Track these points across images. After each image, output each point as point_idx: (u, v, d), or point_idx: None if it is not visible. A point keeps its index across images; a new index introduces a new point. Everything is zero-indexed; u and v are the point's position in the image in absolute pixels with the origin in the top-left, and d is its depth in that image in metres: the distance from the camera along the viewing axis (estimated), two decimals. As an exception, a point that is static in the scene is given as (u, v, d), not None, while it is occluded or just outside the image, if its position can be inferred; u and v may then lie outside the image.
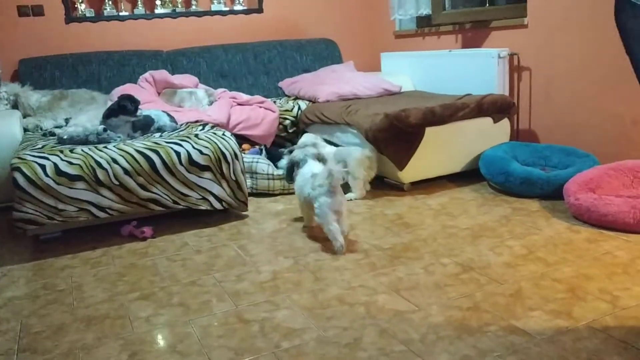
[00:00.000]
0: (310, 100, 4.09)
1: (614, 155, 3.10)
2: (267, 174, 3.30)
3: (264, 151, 3.74)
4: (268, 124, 3.82)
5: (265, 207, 3.15)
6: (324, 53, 4.80)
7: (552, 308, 1.79)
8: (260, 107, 3.89)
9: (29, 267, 2.47)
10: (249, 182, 3.36)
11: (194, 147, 2.81)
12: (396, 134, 3.08)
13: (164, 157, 2.74)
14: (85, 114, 3.66)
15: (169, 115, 3.34)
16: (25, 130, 3.56)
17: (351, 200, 3.09)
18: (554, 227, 2.52)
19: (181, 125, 3.40)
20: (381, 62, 4.84)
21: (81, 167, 2.61)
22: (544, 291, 1.91)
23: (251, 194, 3.34)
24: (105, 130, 2.97)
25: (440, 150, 3.25)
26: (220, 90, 4.08)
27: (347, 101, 3.90)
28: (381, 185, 3.33)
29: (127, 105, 3.11)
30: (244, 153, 3.70)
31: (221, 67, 4.45)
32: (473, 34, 4.00)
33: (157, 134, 3.20)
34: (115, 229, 2.84)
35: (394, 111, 3.11)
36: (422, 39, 4.52)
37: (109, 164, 2.65)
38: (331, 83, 4.10)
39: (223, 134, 2.99)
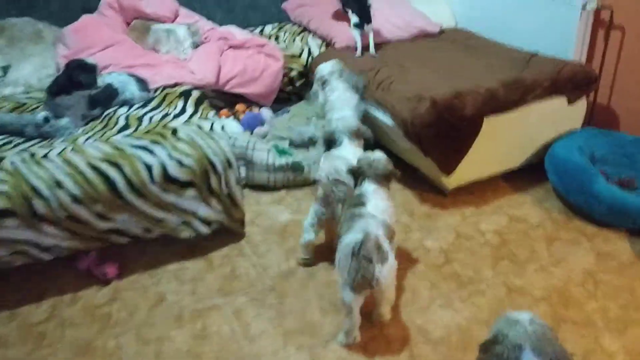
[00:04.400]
0: (323, 40, 3.18)
1: None
2: (267, 165, 2.53)
3: (267, 113, 2.91)
4: (270, 78, 2.96)
5: (266, 213, 2.43)
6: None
7: None
8: (260, 52, 2.99)
9: (-52, 340, 1.81)
10: (242, 171, 2.59)
11: (170, 157, 2.02)
12: (445, 129, 2.29)
13: (128, 174, 1.96)
14: (29, 60, 2.80)
15: (137, 80, 2.47)
16: (-51, 84, 2.69)
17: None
18: (661, 307, 1.86)
19: (156, 91, 2.55)
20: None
21: (10, 197, 1.84)
22: None
23: (246, 185, 2.59)
24: (47, 120, 2.14)
25: (497, 143, 2.47)
26: (206, 26, 3.13)
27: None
28: (417, 181, 2.58)
29: (81, 79, 2.23)
30: (238, 117, 2.89)
31: (208, -19, 3.43)
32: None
33: (123, 110, 2.38)
34: (68, 261, 2.13)
35: (444, 96, 2.28)
36: (470, -46, 3.47)
37: (51, 190, 1.88)
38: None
39: (212, 128, 2.18)
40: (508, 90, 2.39)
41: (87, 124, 2.32)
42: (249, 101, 2.97)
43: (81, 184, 1.91)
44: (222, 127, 2.31)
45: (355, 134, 2.24)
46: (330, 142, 2.23)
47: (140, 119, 2.28)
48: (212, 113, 2.33)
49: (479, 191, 2.53)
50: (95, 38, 2.82)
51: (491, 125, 2.38)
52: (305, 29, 3.35)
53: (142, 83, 2.48)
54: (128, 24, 3.10)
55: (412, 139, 2.33)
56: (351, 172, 1.98)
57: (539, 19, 2.86)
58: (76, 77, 2.22)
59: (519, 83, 2.42)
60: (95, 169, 1.94)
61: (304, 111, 3.02)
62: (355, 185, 1.96)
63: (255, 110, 2.95)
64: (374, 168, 1.89)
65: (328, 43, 3.13)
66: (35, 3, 3.07)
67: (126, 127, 2.22)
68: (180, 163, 2.03)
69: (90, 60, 2.34)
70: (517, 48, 2.88)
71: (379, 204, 1.82)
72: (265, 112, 2.96)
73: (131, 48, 2.87)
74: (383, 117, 2.53)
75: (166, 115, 2.30)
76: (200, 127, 2.17)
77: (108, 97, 2.39)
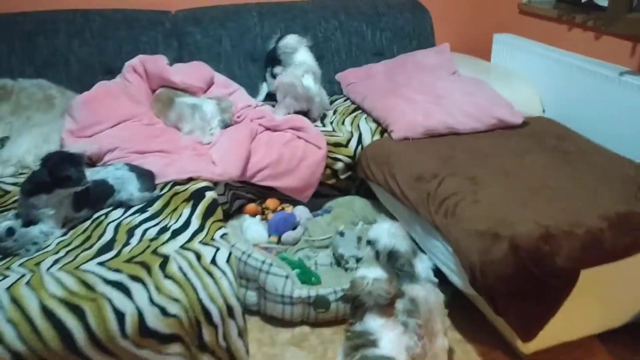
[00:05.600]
0: (378, 123, 2.64)
1: None
2: (282, 296, 1.99)
3: (302, 212, 2.41)
4: (309, 170, 2.44)
5: (280, 357, 1.88)
6: (407, 27, 3.22)
7: None
8: (300, 137, 2.48)
9: None
10: (252, 296, 2.07)
11: (152, 302, 1.52)
12: (528, 285, 1.68)
13: (92, 325, 1.47)
14: (31, 132, 2.40)
15: (140, 175, 2.01)
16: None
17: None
18: None
19: (163, 187, 2.08)
20: (492, 48, 3.24)
21: None
22: None
23: (256, 313, 2.08)
24: (11, 232, 1.69)
25: (595, 299, 1.84)
26: (241, 101, 2.66)
27: (438, 138, 2.46)
28: (482, 330, 1.97)
29: (70, 173, 1.78)
30: (267, 215, 2.39)
31: (253, 44, 2.98)
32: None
33: (117, 214, 1.91)
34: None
35: (528, 238, 1.69)
36: (568, 30, 2.88)
37: (-15, 344, 1.41)
38: (414, 100, 2.60)
39: (213, 261, 1.66)
40: (616, 232, 1.76)
41: (70, 229, 1.87)
42: (284, 195, 2.46)
43: (27, 336, 1.43)
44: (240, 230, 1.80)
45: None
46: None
47: (131, 233, 1.80)
48: (220, 233, 1.81)
49: (567, 357, 1.88)
50: (108, 112, 2.41)
51: (589, 277, 1.74)
52: (357, 108, 2.83)
53: (145, 179, 2.01)
54: (154, 91, 2.68)
55: (482, 291, 1.73)
56: (344, 299, 1.72)
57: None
58: (61, 172, 1.76)
59: (632, 221, 1.79)
60: (49, 315, 1.46)
61: (348, 213, 2.47)
62: (353, 316, 1.64)
63: (289, 208, 2.43)
64: (375, 296, 1.57)
65: (384, 129, 2.59)
66: (53, 62, 2.70)
67: (110, 244, 1.74)
68: (164, 311, 1.52)
69: (74, 150, 1.90)
70: (623, 156, 2.24)
71: (392, 338, 1.54)
72: (300, 212, 2.44)
73: (147, 126, 2.43)
74: (442, 248, 1.95)
75: (164, 229, 1.81)
76: (199, 257, 1.66)
77: (100, 197, 1.94)
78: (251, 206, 2.43)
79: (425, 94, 2.65)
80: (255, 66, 2.98)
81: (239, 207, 2.48)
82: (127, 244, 1.74)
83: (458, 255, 1.81)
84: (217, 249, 1.71)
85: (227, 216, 2.39)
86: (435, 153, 2.31)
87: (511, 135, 2.52)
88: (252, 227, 2.29)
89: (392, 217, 2.36)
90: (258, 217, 2.41)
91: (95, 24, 2.78)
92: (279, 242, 2.35)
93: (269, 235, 2.34)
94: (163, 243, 1.73)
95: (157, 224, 1.85)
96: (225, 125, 2.48)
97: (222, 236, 1.80)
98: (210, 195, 2.02)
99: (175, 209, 1.93)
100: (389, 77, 2.93)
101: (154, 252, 1.68)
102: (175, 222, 1.85)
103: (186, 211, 1.91)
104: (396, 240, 1.77)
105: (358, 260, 2.24)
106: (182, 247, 1.71)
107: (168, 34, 2.88)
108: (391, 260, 1.76)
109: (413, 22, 3.22)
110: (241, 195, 2.46)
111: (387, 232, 1.75)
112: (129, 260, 1.64)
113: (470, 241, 1.77)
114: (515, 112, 2.60)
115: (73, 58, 2.74)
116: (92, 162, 2.26)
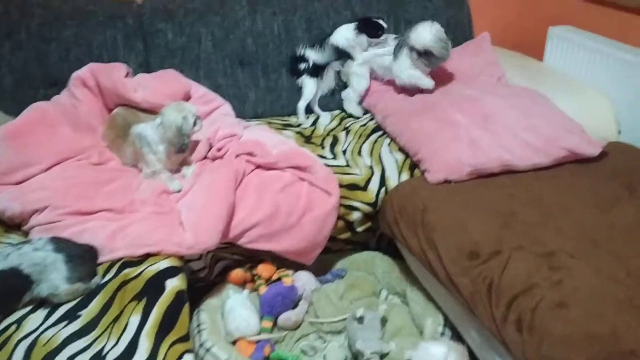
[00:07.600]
0: (407, 156, 1.99)
1: None
2: None
3: (305, 280, 1.81)
4: (314, 225, 1.80)
5: None
6: (439, 18, 2.50)
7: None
8: (303, 179, 1.83)
9: None
10: None
11: None
12: None
13: None
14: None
15: (70, 257, 1.38)
16: None
17: None
18: None
19: (106, 272, 1.45)
20: (546, 45, 2.56)
21: None
22: None
23: None
24: None
25: None
26: (224, 125, 2.00)
27: (490, 179, 1.82)
28: None
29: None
30: (257, 288, 1.77)
31: (242, 44, 2.32)
32: None
33: (34, 323, 1.30)
34: None
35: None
36: (656, 26, 2.20)
37: None
38: (454, 123, 1.94)
39: None
40: None
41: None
42: (281, 259, 1.83)
43: None
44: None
45: None
46: None
47: (46, 365, 1.18)
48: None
49: None
50: (40, 149, 1.77)
51: None
52: (380, 128, 2.18)
53: (77, 263, 1.39)
54: (110, 110, 2.03)
55: None
56: None
57: None
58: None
59: None
60: None
61: (368, 279, 1.86)
62: None
63: (288, 279, 1.80)
64: None
65: (414, 164, 1.94)
66: (-22, 74, 2.05)
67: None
68: None
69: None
70: None
71: None
72: (303, 281, 1.83)
73: (96, 167, 1.80)
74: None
75: (97, 358, 1.19)
76: None
77: (9, 296, 1.32)
78: (237, 273, 1.81)
79: (468, 113, 1.99)
80: (245, 72, 2.32)
81: (222, 270, 1.86)
82: (35, 390, 1.13)
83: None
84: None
85: (205, 288, 1.78)
86: (490, 206, 1.67)
87: (586, 173, 1.87)
88: (237, 311, 1.67)
89: (427, 293, 1.74)
90: (245, 292, 1.79)
91: (34, 19, 2.12)
92: (274, 326, 1.74)
93: (261, 318, 1.72)
94: (90, 394, 1.11)
95: (88, 347, 1.24)
96: (180, 149, 1.80)
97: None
98: (172, 286, 1.39)
99: (118, 316, 1.31)
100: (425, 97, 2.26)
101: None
102: (115, 344, 1.23)
103: (134, 320, 1.29)
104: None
105: (383, 357, 1.63)
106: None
107: (131, 33, 2.21)
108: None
109: (446, 12, 2.54)
110: (224, 256, 1.84)
111: None
112: None
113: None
114: (591, 140, 1.94)
115: (4, 66, 2.09)
116: (15, 224, 1.64)
